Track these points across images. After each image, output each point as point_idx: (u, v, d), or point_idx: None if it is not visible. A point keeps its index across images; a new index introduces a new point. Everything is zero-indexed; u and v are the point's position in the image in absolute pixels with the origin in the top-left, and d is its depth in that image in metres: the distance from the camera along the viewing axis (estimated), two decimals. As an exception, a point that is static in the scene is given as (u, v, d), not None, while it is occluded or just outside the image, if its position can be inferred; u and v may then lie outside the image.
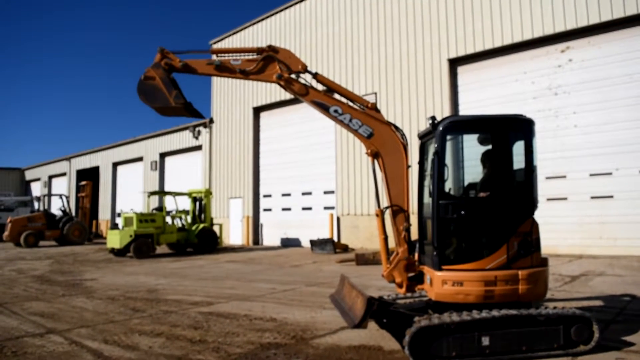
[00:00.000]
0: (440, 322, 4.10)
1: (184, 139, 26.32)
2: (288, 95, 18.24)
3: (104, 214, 33.36)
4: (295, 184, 20.35)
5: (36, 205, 27.33)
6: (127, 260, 15.30)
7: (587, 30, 13.12)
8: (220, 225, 20.18)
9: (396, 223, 4.97)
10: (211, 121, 24.28)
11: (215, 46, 23.78)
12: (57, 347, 5.05)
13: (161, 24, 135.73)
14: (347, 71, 18.34)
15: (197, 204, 18.57)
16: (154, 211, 18.03)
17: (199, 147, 25.41)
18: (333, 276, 9.85)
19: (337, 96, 5.38)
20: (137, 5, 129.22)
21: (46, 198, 27.10)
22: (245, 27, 22.80)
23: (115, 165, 33.26)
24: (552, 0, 13.47)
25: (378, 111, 5.21)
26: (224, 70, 5.40)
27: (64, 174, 38.98)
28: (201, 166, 24.98)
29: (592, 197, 12.87)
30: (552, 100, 13.70)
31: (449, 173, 4.66)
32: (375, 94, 17.20)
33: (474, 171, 5.14)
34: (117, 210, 31.59)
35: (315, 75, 5.43)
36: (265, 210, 21.75)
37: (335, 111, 5.17)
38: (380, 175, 5.03)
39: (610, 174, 12.64)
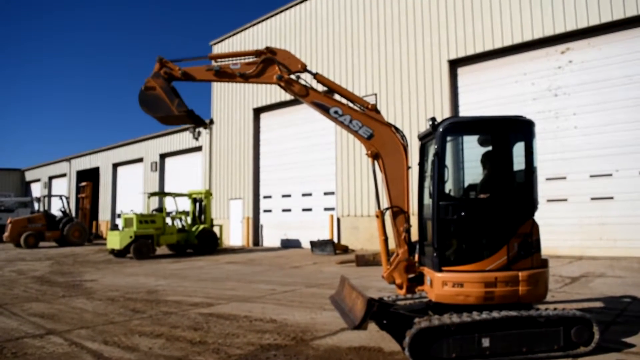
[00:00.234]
0: (441, 323, 4.10)
1: (184, 140, 26.31)
2: (288, 96, 18.25)
3: (104, 215, 33.36)
4: (296, 185, 20.34)
5: (36, 206, 27.33)
6: (127, 261, 15.30)
7: (587, 32, 13.13)
8: (220, 227, 20.19)
9: (396, 224, 4.97)
10: (211, 122, 24.27)
11: (216, 47, 23.83)
12: (57, 348, 5.05)
13: (161, 24, 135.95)
14: (347, 72, 18.35)
15: (197, 205, 18.56)
16: (154, 212, 18.05)
17: (199, 148, 25.40)
18: (333, 277, 9.85)
19: (337, 97, 5.39)
20: (137, 5, 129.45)
21: (46, 199, 27.08)
22: (246, 28, 22.81)
23: (115, 166, 33.27)
24: (552, 1, 13.48)
25: (378, 112, 5.22)
26: (224, 75, 5.42)
27: (64, 175, 39.00)
28: (201, 167, 24.98)
29: (592, 199, 12.87)
30: (552, 102, 13.70)
31: (449, 174, 4.66)
32: (375, 95, 17.20)
33: (474, 172, 5.14)
34: (117, 211, 31.61)
35: (315, 76, 5.44)
36: (265, 211, 21.75)
37: (336, 112, 5.17)
38: (380, 176, 5.03)
39: (610, 175, 12.64)
